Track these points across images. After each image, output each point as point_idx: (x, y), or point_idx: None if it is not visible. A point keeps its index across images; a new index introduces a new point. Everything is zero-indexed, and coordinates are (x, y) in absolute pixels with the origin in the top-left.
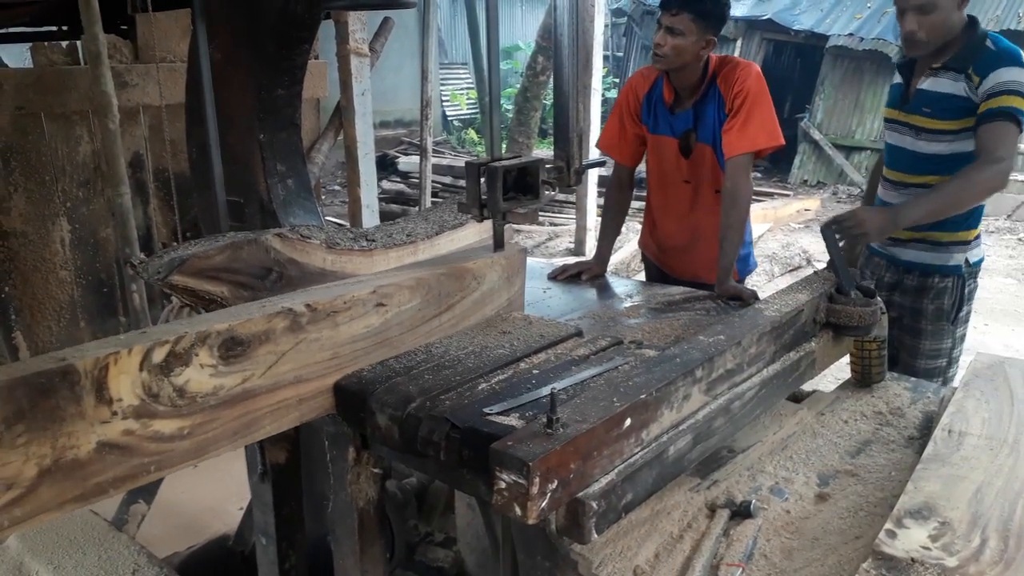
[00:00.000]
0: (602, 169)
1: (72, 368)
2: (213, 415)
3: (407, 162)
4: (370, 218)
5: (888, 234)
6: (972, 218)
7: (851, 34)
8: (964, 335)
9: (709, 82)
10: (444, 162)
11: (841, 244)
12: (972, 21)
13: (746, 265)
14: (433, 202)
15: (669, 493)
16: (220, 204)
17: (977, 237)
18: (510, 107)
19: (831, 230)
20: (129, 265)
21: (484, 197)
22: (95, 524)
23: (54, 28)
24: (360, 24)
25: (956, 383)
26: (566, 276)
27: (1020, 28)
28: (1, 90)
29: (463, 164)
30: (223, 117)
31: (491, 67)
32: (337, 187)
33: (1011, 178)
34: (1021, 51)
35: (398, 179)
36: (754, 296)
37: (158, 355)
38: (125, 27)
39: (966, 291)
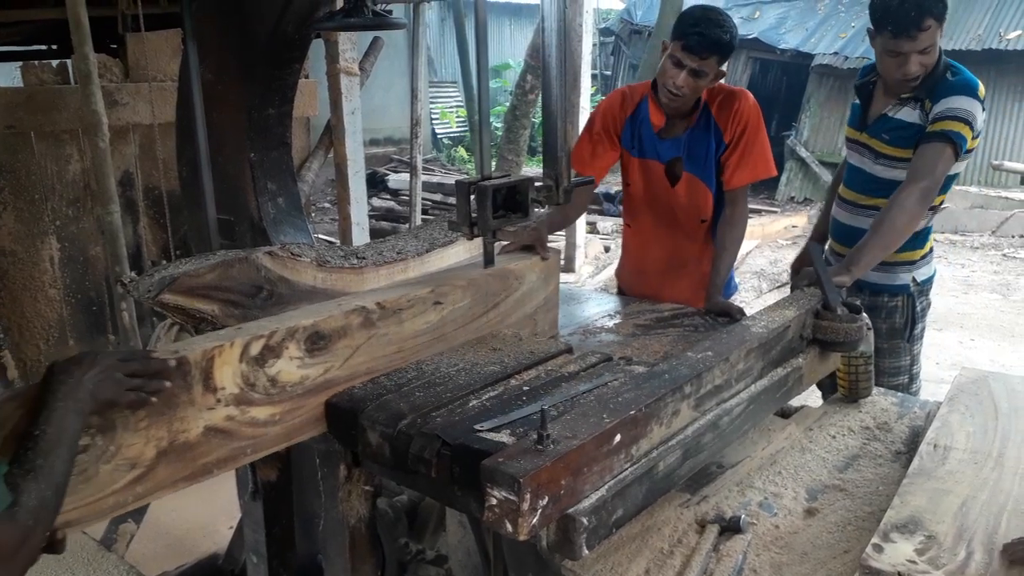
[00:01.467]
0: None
1: (185, 360)
2: (300, 403)
3: (397, 179)
4: (360, 235)
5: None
6: (918, 239)
7: (836, 53)
8: (920, 352)
9: (703, 110)
10: (434, 179)
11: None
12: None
13: (728, 287)
14: (423, 219)
15: (659, 509)
16: (211, 222)
17: (925, 256)
18: (499, 125)
19: (817, 246)
20: (119, 283)
21: (474, 215)
22: (84, 544)
23: (44, 47)
24: (350, 44)
25: (921, 398)
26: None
27: (1001, 47)
28: None
29: (453, 181)
30: (214, 136)
31: (481, 86)
32: (327, 204)
33: (995, 195)
34: (979, 83)
35: (388, 196)
36: (741, 312)
37: (255, 348)
38: (115, 46)
39: (917, 309)
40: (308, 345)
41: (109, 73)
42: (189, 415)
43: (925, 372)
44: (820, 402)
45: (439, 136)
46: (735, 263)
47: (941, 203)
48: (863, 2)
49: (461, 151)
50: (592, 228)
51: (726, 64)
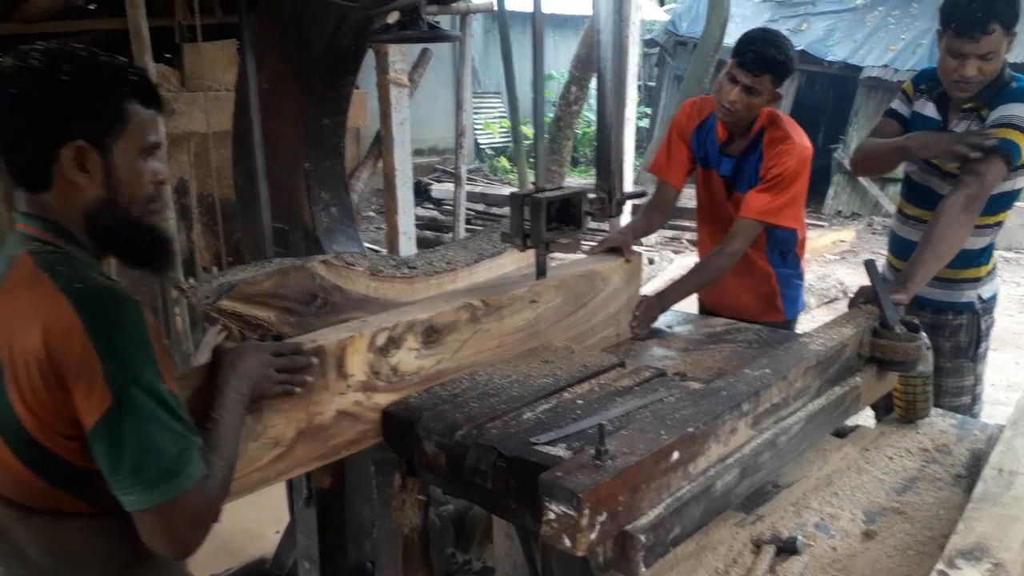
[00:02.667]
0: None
1: (322, 348)
2: (415, 391)
3: (440, 189)
4: (407, 245)
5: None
6: (982, 255)
7: (885, 66)
8: (984, 371)
9: (757, 134)
10: (477, 189)
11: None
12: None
13: (796, 304)
14: (467, 229)
15: (714, 528)
16: (266, 230)
17: (989, 273)
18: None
19: (874, 263)
20: (177, 288)
21: (527, 227)
22: None
23: None
24: (400, 55)
25: (981, 420)
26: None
27: None
28: None
29: (496, 192)
30: (270, 146)
31: (537, 99)
32: (371, 213)
33: None
34: None
35: (431, 206)
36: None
37: (380, 339)
38: (169, 56)
39: (982, 327)
40: (424, 338)
41: (167, 82)
42: (323, 399)
43: None
44: (873, 422)
45: (482, 146)
46: (796, 281)
47: (1002, 219)
48: (913, 14)
49: (504, 161)
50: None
51: (783, 87)
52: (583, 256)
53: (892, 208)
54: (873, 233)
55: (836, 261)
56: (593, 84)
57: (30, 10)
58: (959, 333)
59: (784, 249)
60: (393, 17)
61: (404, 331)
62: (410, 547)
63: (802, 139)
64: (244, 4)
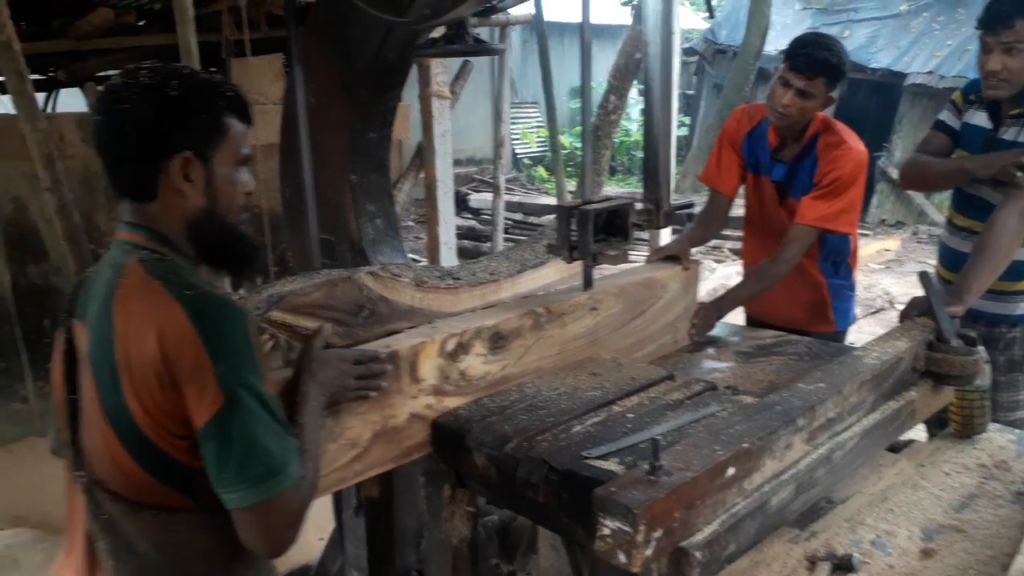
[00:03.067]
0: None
1: (397, 353)
2: (481, 396)
3: (478, 199)
4: (448, 255)
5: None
6: None
7: (930, 72)
8: None
9: (811, 140)
10: (514, 199)
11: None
12: None
13: (847, 317)
14: (504, 238)
15: (767, 544)
16: (313, 242)
17: None
18: (579, 145)
19: (929, 275)
20: None
21: (574, 239)
22: None
23: None
24: (442, 67)
25: None
26: (660, 257)
27: None
28: None
29: (533, 201)
30: (316, 158)
31: (584, 111)
32: (410, 223)
33: None
34: None
35: (469, 215)
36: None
37: (450, 344)
38: (214, 69)
39: None
40: (491, 344)
41: None
42: (397, 403)
43: None
44: (924, 436)
45: (519, 156)
46: (848, 292)
47: None
48: (959, 20)
49: (541, 171)
50: None
51: (836, 91)
52: (641, 264)
53: (938, 217)
54: (919, 242)
55: (881, 270)
56: (631, 94)
57: (83, 27)
58: (1013, 346)
59: (837, 259)
60: (438, 31)
61: (472, 337)
62: (459, 558)
63: (857, 144)
64: (292, 19)
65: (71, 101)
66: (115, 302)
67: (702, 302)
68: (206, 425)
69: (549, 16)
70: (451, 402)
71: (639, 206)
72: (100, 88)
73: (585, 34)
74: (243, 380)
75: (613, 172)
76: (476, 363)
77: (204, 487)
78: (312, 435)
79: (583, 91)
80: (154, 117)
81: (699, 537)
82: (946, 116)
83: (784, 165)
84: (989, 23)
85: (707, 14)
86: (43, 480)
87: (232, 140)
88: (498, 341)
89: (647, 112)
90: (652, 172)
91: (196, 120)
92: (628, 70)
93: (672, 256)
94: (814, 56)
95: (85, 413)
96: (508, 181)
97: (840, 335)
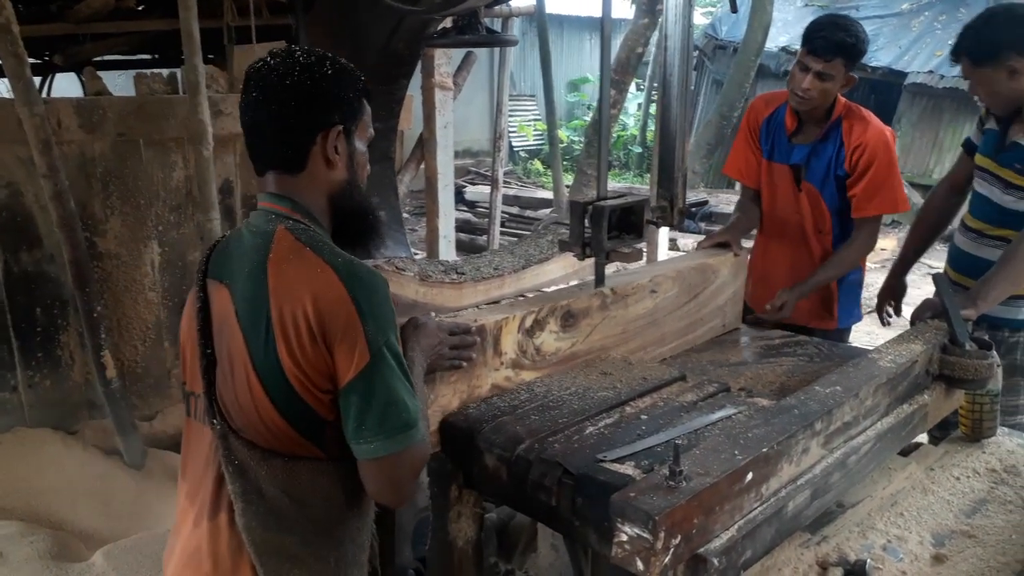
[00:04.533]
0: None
1: (484, 328)
2: (552, 371)
3: (474, 191)
4: (446, 248)
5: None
6: None
7: (931, 71)
8: None
9: (834, 124)
10: (511, 192)
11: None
12: None
13: (851, 315)
14: (502, 232)
15: (779, 548)
16: None
17: None
18: (576, 139)
19: (944, 277)
20: None
21: (587, 235)
22: None
23: (148, 57)
24: (445, 58)
25: None
26: (712, 244)
27: None
28: (105, 117)
29: (529, 195)
30: None
31: (602, 108)
32: (406, 215)
33: None
34: None
35: (465, 208)
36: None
37: (528, 321)
38: (212, 56)
39: None
40: (563, 322)
41: (216, 84)
42: (482, 374)
43: None
44: (924, 438)
45: (516, 149)
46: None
47: None
48: (961, 19)
49: (537, 164)
50: (673, 245)
51: (854, 70)
52: (692, 251)
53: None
54: None
55: (877, 270)
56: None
57: (82, 11)
58: (1015, 351)
59: None
60: (448, 21)
61: (547, 314)
62: (463, 559)
63: (881, 124)
64: (300, 6)
65: (65, 86)
66: (269, 265)
67: (783, 288)
68: (353, 380)
69: (550, 8)
70: (527, 375)
71: (653, 203)
72: (254, 65)
73: (606, 28)
74: (387, 340)
75: (610, 167)
76: (549, 339)
77: (333, 439)
78: (422, 398)
79: (601, 85)
80: (314, 92)
81: (716, 544)
82: (973, 132)
83: (803, 148)
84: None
85: (728, 8)
86: (30, 472)
87: (367, 119)
88: (569, 319)
89: (664, 109)
90: (668, 169)
91: (347, 97)
92: (629, 64)
93: (722, 243)
94: (831, 38)
95: (224, 366)
96: (505, 174)
97: (843, 332)
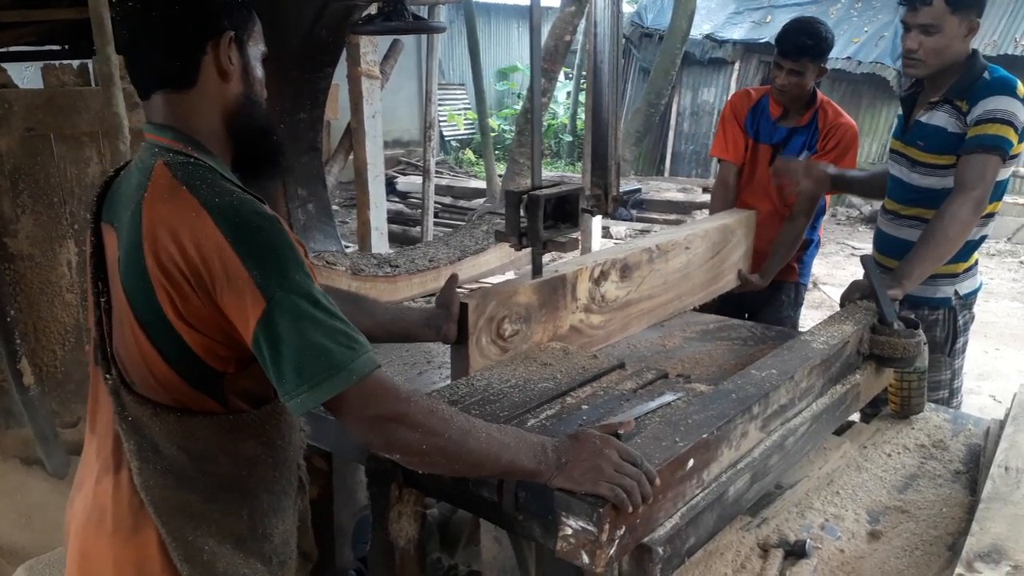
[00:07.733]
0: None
1: (564, 276)
2: (613, 315)
3: (406, 182)
4: (379, 240)
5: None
6: (963, 251)
7: (848, 57)
8: (962, 366)
9: (815, 113)
10: (443, 182)
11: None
12: (974, 53)
13: (808, 273)
14: (435, 222)
15: (721, 533)
16: None
17: (969, 269)
18: (507, 128)
19: (872, 259)
20: None
21: (523, 225)
22: None
23: (57, 48)
24: (371, 47)
25: (974, 415)
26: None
27: (1018, 53)
28: (11, 111)
29: (462, 185)
30: None
31: (534, 100)
32: (336, 207)
33: (1011, 201)
34: (1018, 81)
35: (396, 199)
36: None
37: (597, 271)
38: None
39: (959, 323)
40: (621, 273)
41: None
42: (563, 315)
43: None
44: (856, 416)
45: (447, 138)
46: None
47: (993, 211)
48: (876, 6)
49: (469, 154)
50: (606, 233)
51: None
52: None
53: (856, 199)
54: (837, 223)
55: None
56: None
57: None
58: (935, 328)
59: (815, 221)
60: (373, 7)
61: (610, 267)
62: (406, 560)
63: (851, 120)
64: None
65: None
66: (144, 207)
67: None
68: (254, 333)
69: None
70: (595, 319)
71: (588, 192)
72: None
73: (535, 16)
74: (283, 282)
75: (542, 155)
76: (611, 288)
77: (234, 391)
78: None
79: (532, 74)
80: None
81: (660, 532)
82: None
83: (785, 129)
84: (908, 1)
85: None
86: None
87: (258, 32)
88: (626, 271)
89: (596, 96)
90: (601, 157)
91: (236, 2)
92: (558, 52)
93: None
94: (795, 43)
95: (115, 315)
96: (436, 164)
97: (802, 287)
